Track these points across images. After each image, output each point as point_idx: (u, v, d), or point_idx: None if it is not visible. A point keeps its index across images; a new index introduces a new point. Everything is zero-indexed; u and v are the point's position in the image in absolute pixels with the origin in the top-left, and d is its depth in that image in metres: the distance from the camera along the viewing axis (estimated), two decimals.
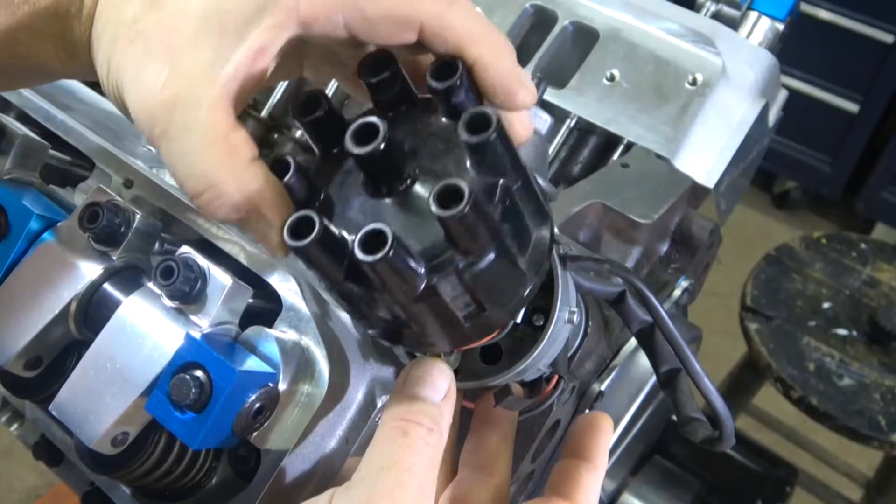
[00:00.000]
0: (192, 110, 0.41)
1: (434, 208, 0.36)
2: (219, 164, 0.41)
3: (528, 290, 0.44)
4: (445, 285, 0.40)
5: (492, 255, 0.40)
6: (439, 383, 0.47)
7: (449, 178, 0.36)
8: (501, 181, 0.40)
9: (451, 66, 0.41)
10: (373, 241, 0.37)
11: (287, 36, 0.43)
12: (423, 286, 0.39)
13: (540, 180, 0.48)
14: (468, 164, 0.40)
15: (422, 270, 0.39)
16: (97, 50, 0.45)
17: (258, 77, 0.43)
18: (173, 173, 0.42)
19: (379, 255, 0.36)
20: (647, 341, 0.57)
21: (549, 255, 0.44)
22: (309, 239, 0.38)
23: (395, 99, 0.44)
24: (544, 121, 0.61)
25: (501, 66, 0.43)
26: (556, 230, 0.48)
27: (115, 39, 0.43)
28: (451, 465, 0.54)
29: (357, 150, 0.39)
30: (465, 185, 0.36)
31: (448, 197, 0.36)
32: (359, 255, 0.37)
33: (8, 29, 0.46)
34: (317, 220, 0.38)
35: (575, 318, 0.49)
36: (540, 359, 0.50)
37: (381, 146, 0.39)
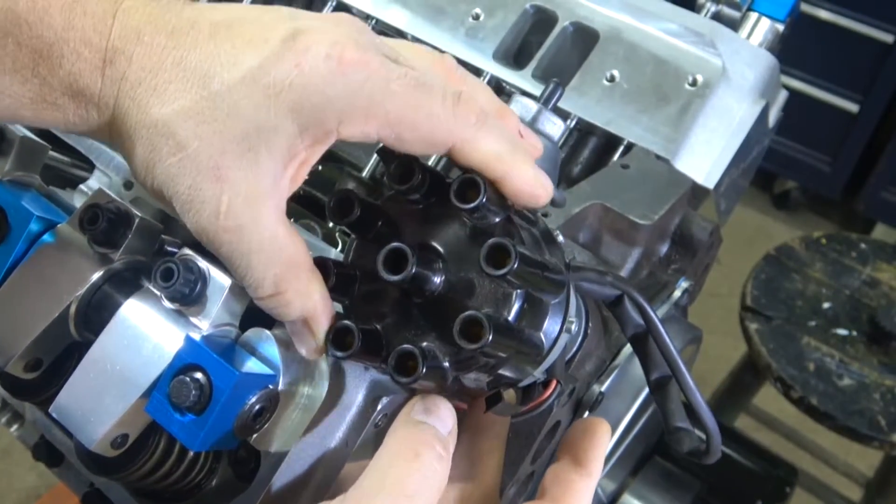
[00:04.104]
0: (257, 233, 0.43)
1: (459, 342, 0.40)
2: (285, 277, 0.45)
3: (544, 357, 0.47)
4: (469, 378, 0.45)
5: (511, 352, 0.43)
6: (447, 419, 0.47)
7: (468, 312, 0.41)
8: (519, 291, 0.44)
9: (474, 184, 0.43)
10: (403, 364, 0.42)
11: (326, 148, 0.45)
12: (449, 382, 0.44)
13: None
14: (489, 282, 0.44)
15: (448, 368, 0.43)
16: (127, 146, 0.45)
17: (301, 180, 0.47)
18: (241, 281, 0.45)
19: (412, 378, 0.41)
20: (641, 346, 0.57)
21: (566, 316, 0.48)
22: (350, 351, 0.43)
23: (423, 196, 0.46)
24: (557, 126, 0.61)
25: (524, 177, 0.46)
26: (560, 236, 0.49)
27: (153, 147, 0.43)
28: None
29: (390, 278, 0.42)
30: (484, 320, 0.40)
31: (470, 329, 0.40)
32: (394, 377, 0.42)
33: (14, 95, 0.44)
34: (356, 332, 0.43)
35: (573, 327, 0.49)
36: None
37: (413, 271, 0.42)
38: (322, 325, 0.46)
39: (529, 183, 0.46)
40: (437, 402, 0.47)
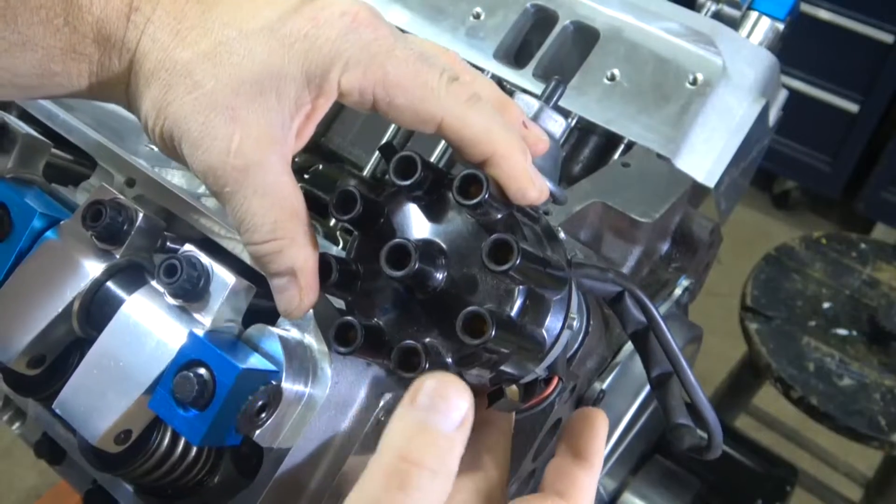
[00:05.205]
0: (262, 175, 0.45)
1: (462, 337, 0.41)
2: (283, 224, 0.46)
3: (546, 353, 0.47)
4: (471, 374, 0.45)
5: (514, 348, 0.44)
6: (455, 409, 0.40)
7: (471, 308, 0.41)
8: (521, 287, 0.44)
9: (477, 180, 0.44)
10: (407, 360, 0.43)
11: (330, 104, 0.47)
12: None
13: (551, 185, 0.50)
14: (491, 278, 0.44)
15: (450, 364, 0.44)
16: (142, 89, 0.47)
17: (307, 138, 0.49)
18: (238, 224, 0.46)
19: (415, 374, 0.42)
20: (642, 343, 0.57)
21: (568, 313, 0.48)
22: (353, 347, 0.44)
23: (425, 192, 0.46)
24: (559, 123, 0.61)
25: (515, 163, 0.46)
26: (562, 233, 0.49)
27: (169, 86, 0.45)
28: None
29: (393, 274, 0.43)
30: (487, 316, 0.40)
31: (473, 325, 0.41)
32: (397, 372, 0.43)
33: (47, 47, 0.46)
34: (359, 328, 0.43)
35: (574, 324, 0.49)
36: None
37: (416, 267, 0.42)
38: (309, 281, 0.46)
39: (518, 170, 0.46)
40: (445, 387, 0.41)
